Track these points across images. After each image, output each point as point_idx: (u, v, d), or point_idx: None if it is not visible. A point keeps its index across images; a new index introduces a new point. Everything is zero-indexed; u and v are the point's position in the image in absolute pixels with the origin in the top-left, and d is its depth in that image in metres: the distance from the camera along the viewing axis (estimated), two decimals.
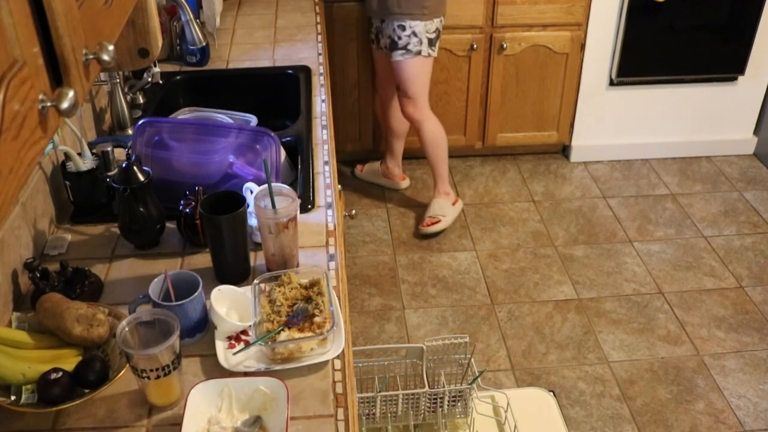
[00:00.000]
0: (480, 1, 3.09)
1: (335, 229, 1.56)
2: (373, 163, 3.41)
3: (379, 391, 1.97)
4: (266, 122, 1.98)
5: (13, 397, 1.13)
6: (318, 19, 2.68)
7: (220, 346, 1.25)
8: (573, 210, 3.27)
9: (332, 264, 1.46)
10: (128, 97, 2.02)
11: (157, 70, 2.13)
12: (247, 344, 1.24)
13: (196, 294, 1.24)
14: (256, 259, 1.47)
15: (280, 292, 1.30)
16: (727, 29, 3.29)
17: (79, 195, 1.57)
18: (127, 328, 1.13)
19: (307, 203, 1.62)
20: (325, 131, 1.93)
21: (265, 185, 1.37)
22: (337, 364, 1.24)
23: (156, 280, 1.27)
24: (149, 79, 2.10)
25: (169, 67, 2.29)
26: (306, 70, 2.25)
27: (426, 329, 2.63)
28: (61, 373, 1.13)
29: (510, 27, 3.14)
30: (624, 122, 3.50)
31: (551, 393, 2.37)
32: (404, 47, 2.76)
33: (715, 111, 3.52)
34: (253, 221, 1.46)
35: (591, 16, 3.18)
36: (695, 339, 2.60)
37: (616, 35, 3.25)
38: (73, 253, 1.49)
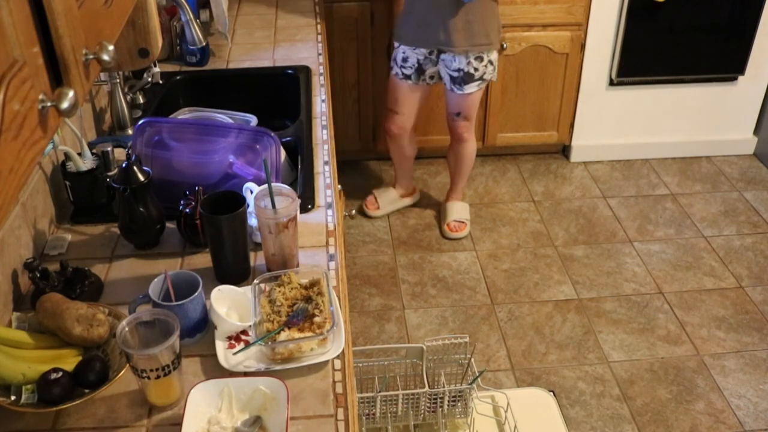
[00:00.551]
0: None
1: (335, 229, 1.56)
2: (385, 193, 3.25)
3: (379, 391, 1.97)
4: (266, 122, 1.98)
5: (13, 397, 1.13)
6: (318, 19, 2.68)
7: (220, 346, 1.25)
8: (573, 210, 3.27)
9: (332, 264, 1.46)
10: (128, 97, 2.02)
11: (157, 70, 2.13)
12: (247, 344, 1.24)
13: (196, 294, 1.24)
14: (256, 259, 1.47)
15: (280, 292, 1.30)
16: (727, 29, 3.29)
17: (79, 195, 1.57)
18: (127, 328, 1.13)
19: (307, 203, 1.62)
20: (325, 131, 1.93)
21: (265, 185, 1.37)
22: (337, 364, 1.24)
23: (156, 280, 1.27)
24: (149, 79, 2.10)
25: (169, 67, 2.29)
26: (306, 70, 2.25)
27: (426, 329, 2.63)
28: (61, 373, 1.13)
29: (510, 27, 3.14)
30: (624, 122, 3.50)
31: (551, 393, 2.37)
32: (481, 77, 2.68)
33: (715, 111, 3.52)
34: (253, 221, 1.46)
35: (591, 16, 3.18)
36: (695, 339, 2.60)
37: (616, 35, 3.25)
38: (73, 253, 1.49)
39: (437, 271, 2.91)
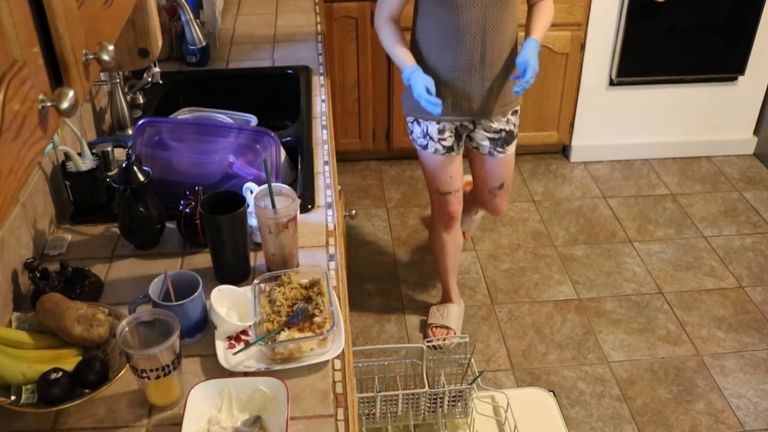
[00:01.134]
0: None
1: (335, 229, 1.56)
2: (448, 310, 2.64)
3: (379, 391, 1.97)
4: (266, 122, 1.98)
5: (13, 397, 1.13)
6: (318, 19, 2.68)
7: (220, 346, 1.25)
8: (573, 210, 3.27)
9: (332, 264, 1.46)
10: (128, 97, 2.02)
11: (157, 70, 2.13)
12: (247, 344, 1.24)
13: (196, 294, 1.24)
14: (256, 259, 1.47)
15: (280, 292, 1.30)
16: (727, 29, 3.29)
17: (79, 195, 1.57)
18: (127, 328, 1.13)
19: (307, 203, 1.62)
20: (325, 131, 1.93)
21: (265, 185, 1.37)
22: (337, 364, 1.24)
23: (156, 280, 1.27)
24: (149, 79, 2.10)
25: (169, 67, 2.29)
26: (306, 70, 2.25)
27: (426, 329, 2.63)
28: (61, 373, 1.13)
29: None
30: (624, 122, 3.50)
31: (551, 393, 2.37)
32: (517, 134, 2.35)
33: (715, 111, 3.52)
34: (253, 221, 1.46)
35: (591, 16, 3.18)
36: (695, 339, 2.60)
37: (616, 35, 3.25)
38: (73, 253, 1.49)
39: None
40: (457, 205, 2.40)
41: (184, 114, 2.05)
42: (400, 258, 2.98)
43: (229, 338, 1.27)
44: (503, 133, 2.28)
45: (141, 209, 1.44)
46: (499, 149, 2.32)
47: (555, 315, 2.70)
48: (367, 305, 2.75)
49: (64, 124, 1.56)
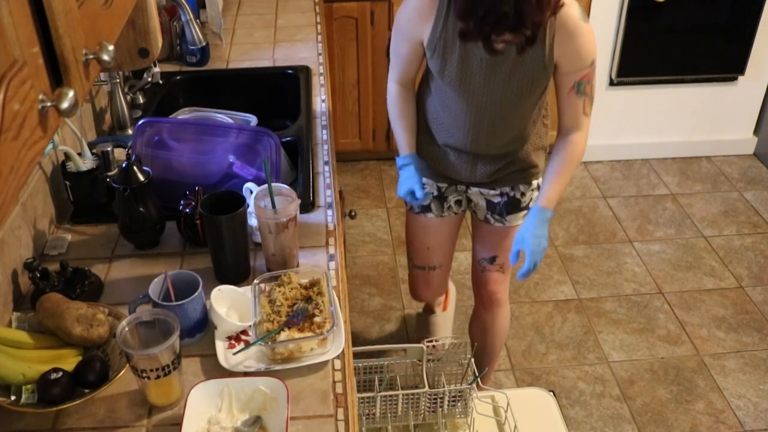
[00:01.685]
0: None
1: (335, 229, 1.56)
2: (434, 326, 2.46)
3: (379, 391, 1.97)
4: (266, 122, 1.98)
5: (13, 397, 1.13)
6: (318, 19, 2.68)
7: (220, 346, 1.25)
8: (573, 210, 3.27)
9: (332, 264, 1.46)
10: (128, 97, 2.02)
11: (157, 70, 2.13)
12: (247, 344, 1.24)
13: (196, 294, 1.24)
14: (256, 259, 1.47)
15: (280, 292, 1.30)
16: (727, 29, 3.29)
17: (79, 195, 1.57)
18: (127, 328, 1.13)
19: (307, 203, 1.62)
20: (325, 131, 1.93)
21: (265, 185, 1.37)
22: (337, 364, 1.24)
23: (156, 280, 1.27)
24: (149, 79, 2.10)
25: (169, 67, 2.29)
26: (306, 70, 2.25)
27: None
28: (61, 373, 1.13)
29: None
30: (624, 122, 3.50)
31: (551, 393, 2.37)
32: (527, 205, 1.90)
33: (715, 111, 3.52)
34: (253, 221, 1.46)
35: (591, 16, 3.18)
36: (695, 339, 2.60)
37: (616, 35, 3.25)
38: (73, 253, 1.49)
39: None
40: (427, 288, 2.09)
41: (184, 114, 2.05)
42: (400, 258, 2.98)
43: (229, 338, 1.27)
44: (506, 198, 1.88)
45: (141, 209, 1.44)
46: (496, 216, 1.91)
47: (555, 315, 2.70)
48: (367, 305, 2.75)
49: (64, 124, 1.56)
